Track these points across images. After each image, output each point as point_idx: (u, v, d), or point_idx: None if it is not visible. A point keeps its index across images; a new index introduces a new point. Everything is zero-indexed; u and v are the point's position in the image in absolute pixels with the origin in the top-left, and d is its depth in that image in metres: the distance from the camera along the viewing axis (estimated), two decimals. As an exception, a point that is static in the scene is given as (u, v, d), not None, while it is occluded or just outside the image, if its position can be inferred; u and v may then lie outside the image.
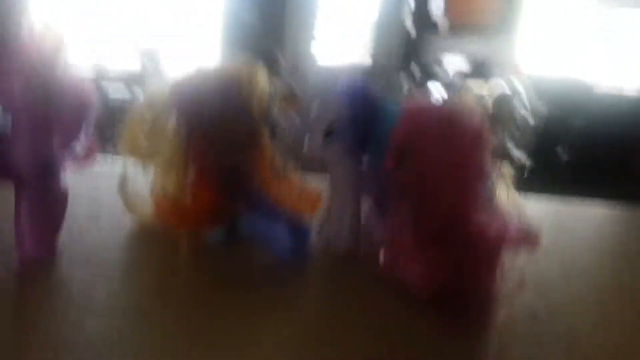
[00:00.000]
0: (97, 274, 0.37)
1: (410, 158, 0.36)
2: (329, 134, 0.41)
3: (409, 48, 4.80)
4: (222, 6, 4.71)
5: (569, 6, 2.20)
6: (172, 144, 0.43)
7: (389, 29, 4.85)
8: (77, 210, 0.40)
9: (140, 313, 0.32)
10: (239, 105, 0.42)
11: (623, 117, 1.34)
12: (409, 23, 4.10)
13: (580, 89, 1.45)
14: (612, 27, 1.91)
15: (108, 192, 0.49)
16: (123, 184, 0.47)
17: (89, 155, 0.40)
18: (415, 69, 2.71)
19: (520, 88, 1.13)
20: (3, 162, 0.35)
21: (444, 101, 0.39)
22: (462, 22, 2.87)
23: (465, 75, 2.32)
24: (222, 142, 0.39)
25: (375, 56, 4.88)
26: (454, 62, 3.01)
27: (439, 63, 2.60)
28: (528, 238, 0.37)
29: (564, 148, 1.54)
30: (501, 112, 1.07)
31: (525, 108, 1.16)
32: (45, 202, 0.37)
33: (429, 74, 2.49)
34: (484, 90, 1.19)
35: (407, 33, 4.40)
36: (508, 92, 1.13)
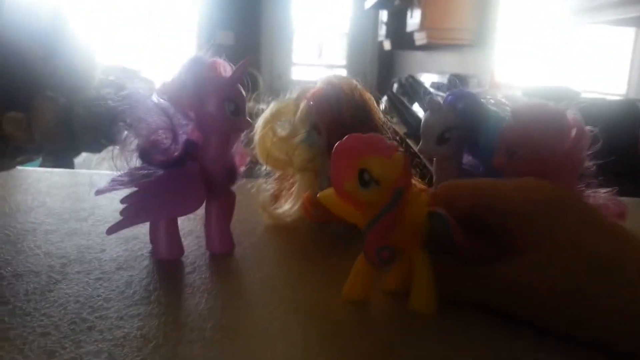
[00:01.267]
0: (273, 265, 0.43)
1: (520, 154, 0.44)
2: (442, 139, 0.49)
3: (384, 63, 4.95)
4: (197, 27, 4.76)
5: (543, 20, 2.35)
6: (308, 151, 0.50)
7: (363, 42, 4.98)
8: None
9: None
10: (368, 112, 0.50)
11: (610, 120, 1.46)
12: (382, 37, 4.23)
13: (569, 96, 1.58)
14: (588, 39, 2.06)
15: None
16: (259, 190, 0.54)
17: (242, 160, 0.47)
18: (395, 83, 2.82)
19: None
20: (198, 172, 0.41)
21: (546, 104, 0.46)
22: (437, 40, 3.00)
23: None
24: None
25: (350, 71, 4.99)
26: (430, 78, 3.14)
27: (415, 79, 2.71)
28: (622, 214, 0.47)
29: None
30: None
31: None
32: (228, 203, 0.44)
33: (409, 89, 2.60)
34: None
35: (381, 46, 4.55)
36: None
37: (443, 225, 0.32)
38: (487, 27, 2.83)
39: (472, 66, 3.00)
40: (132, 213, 0.39)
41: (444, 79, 2.97)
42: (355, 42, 5.00)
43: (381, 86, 4.22)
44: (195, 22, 4.63)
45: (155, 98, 0.41)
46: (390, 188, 0.29)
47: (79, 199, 0.58)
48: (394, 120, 2.83)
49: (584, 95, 1.74)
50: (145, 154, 0.40)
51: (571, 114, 0.45)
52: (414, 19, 3.16)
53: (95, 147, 0.37)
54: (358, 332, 0.32)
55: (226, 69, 0.45)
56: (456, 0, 2.95)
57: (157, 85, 0.44)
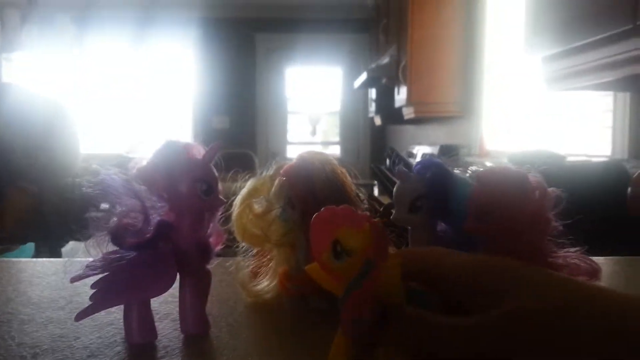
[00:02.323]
0: (248, 343, 0.43)
1: (489, 216, 0.45)
2: (413, 207, 0.50)
3: (376, 138, 5.05)
4: (192, 113, 4.89)
5: (527, 88, 2.43)
6: (283, 226, 0.51)
7: (355, 119, 5.10)
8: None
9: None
10: (340, 185, 0.52)
11: (598, 180, 1.50)
12: (373, 113, 4.34)
13: (554, 160, 1.62)
14: (571, 104, 2.13)
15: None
16: (237, 269, 0.54)
17: (219, 239, 0.48)
18: (390, 155, 2.87)
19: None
20: (170, 252, 0.42)
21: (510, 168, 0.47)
22: (425, 113, 3.08)
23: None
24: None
25: (344, 147, 5.07)
26: (423, 150, 3.20)
27: (396, 151, 2.75)
28: (595, 272, 0.47)
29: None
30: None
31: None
32: (203, 282, 0.44)
33: (392, 162, 2.64)
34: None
35: (372, 122, 4.66)
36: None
37: (424, 302, 0.32)
38: (472, 98, 2.92)
39: (461, 136, 3.07)
40: (101, 297, 0.39)
41: (435, 150, 3.03)
42: (347, 119, 5.14)
43: (375, 160, 4.29)
44: (191, 108, 4.78)
45: (126, 182, 0.42)
46: (360, 259, 0.29)
47: (58, 287, 0.58)
48: (375, 189, 2.86)
49: (570, 158, 1.77)
50: (117, 237, 0.40)
51: (533, 176, 0.46)
52: (400, 95, 3.26)
53: (67, 232, 0.38)
54: None
55: (200, 151, 0.46)
56: (440, 75, 3.07)
57: (133, 170, 0.45)
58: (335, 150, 5.10)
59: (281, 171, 0.53)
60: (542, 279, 0.30)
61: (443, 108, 3.05)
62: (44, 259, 0.72)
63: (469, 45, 2.94)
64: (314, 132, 5.15)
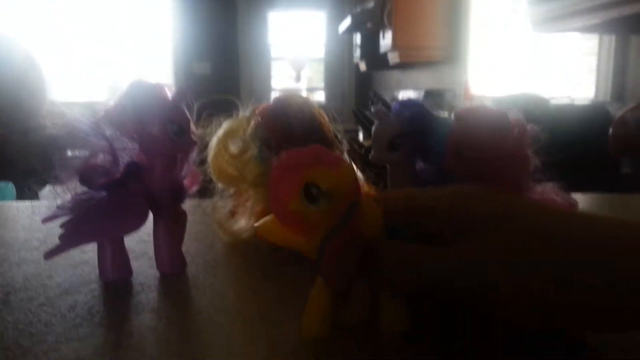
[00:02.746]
0: (225, 281, 0.43)
1: (467, 154, 0.45)
2: (391, 146, 0.49)
3: (361, 84, 5.00)
4: (172, 58, 4.76)
5: (512, 31, 2.39)
6: (259, 166, 0.50)
7: (340, 64, 5.03)
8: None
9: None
10: (317, 125, 0.51)
11: (581, 122, 1.50)
12: (357, 58, 4.28)
13: (538, 103, 1.61)
14: (555, 47, 2.11)
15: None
16: (214, 209, 0.54)
17: (194, 180, 0.47)
18: (373, 100, 2.84)
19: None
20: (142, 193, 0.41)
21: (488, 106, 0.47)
22: (410, 58, 3.04)
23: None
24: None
25: (328, 93, 5.02)
26: (407, 95, 3.18)
27: (378, 95, 2.73)
28: (571, 207, 0.47)
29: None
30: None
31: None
32: (177, 223, 0.43)
33: (382, 102, 2.62)
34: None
35: (357, 68, 4.59)
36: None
37: (406, 236, 0.31)
38: (458, 43, 2.88)
39: (446, 81, 3.04)
40: (69, 236, 0.38)
41: (420, 95, 3.00)
42: (332, 65, 5.05)
43: (359, 106, 4.25)
44: (171, 53, 4.66)
45: (93, 124, 0.40)
46: (343, 200, 0.26)
47: (32, 229, 0.57)
48: (360, 135, 2.85)
49: (554, 101, 1.77)
50: (85, 177, 0.39)
51: (512, 114, 0.46)
52: (386, 40, 3.20)
53: (33, 173, 0.37)
54: (304, 350, 0.30)
55: (170, 92, 0.45)
56: (425, 20, 3.01)
57: (101, 111, 0.43)
58: (320, 97, 5.04)
59: (257, 111, 0.52)
60: (518, 206, 0.30)
61: (428, 53, 3.01)
62: (17, 202, 0.71)
63: (455, -12, 2.88)
64: (298, 79, 5.07)
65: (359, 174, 0.53)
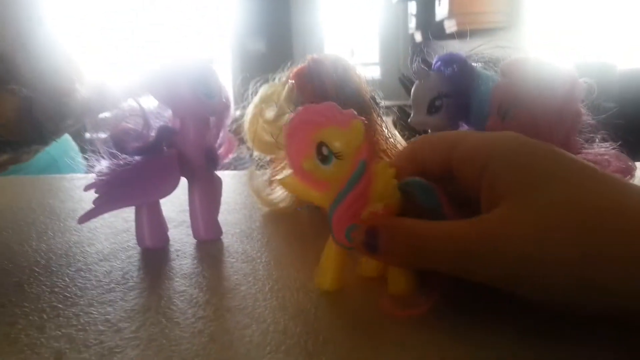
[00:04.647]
0: (259, 249, 0.42)
1: (512, 112, 0.42)
2: (432, 108, 0.47)
3: (416, 53, 4.86)
4: (230, 36, 4.81)
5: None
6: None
7: (395, 36, 4.93)
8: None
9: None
10: (353, 86, 0.49)
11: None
12: (413, 29, 4.17)
13: (605, 70, 1.50)
14: (618, 10, 1.97)
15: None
16: (251, 177, 0.53)
17: (230, 147, 0.46)
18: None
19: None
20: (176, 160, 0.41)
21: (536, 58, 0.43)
22: (468, 25, 2.93)
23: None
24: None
25: (383, 67, 4.95)
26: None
27: (427, 60, 2.64)
28: (628, 170, 0.43)
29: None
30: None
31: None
32: (212, 189, 0.43)
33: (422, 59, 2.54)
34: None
35: (413, 39, 4.48)
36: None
37: (428, 194, 0.29)
38: (518, 7, 2.74)
39: (506, 48, 2.91)
40: (104, 200, 0.39)
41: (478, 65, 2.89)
42: (386, 38, 4.95)
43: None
44: (225, 31, 4.71)
45: (125, 87, 0.40)
46: (352, 160, 0.26)
47: (80, 199, 0.59)
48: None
49: (620, 67, 1.65)
50: (118, 141, 0.39)
51: (563, 66, 0.42)
52: (442, 6, 3.09)
53: (60, 135, 0.37)
54: (337, 311, 0.30)
55: (202, 58, 0.44)
56: (484, -17, 2.88)
57: (133, 77, 0.43)
58: (375, 72, 4.97)
59: (291, 75, 0.50)
60: (553, 173, 0.25)
61: (487, 18, 2.87)
62: (71, 174, 0.74)
63: (515, -52, 2.73)
64: (352, 53, 5.01)
65: (398, 139, 0.51)
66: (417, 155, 0.31)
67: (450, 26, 3.05)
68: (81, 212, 0.51)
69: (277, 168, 0.53)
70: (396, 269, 0.30)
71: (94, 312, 0.32)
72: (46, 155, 0.96)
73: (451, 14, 2.93)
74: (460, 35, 3.40)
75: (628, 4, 1.92)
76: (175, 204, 0.52)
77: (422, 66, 0.48)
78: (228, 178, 0.44)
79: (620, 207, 0.21)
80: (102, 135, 0.40)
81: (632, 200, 0.21)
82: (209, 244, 0.43)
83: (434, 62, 0.49)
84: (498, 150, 0.26)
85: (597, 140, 0.43)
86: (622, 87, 1.56)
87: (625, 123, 0.48)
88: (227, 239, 0.44)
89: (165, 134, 0.40)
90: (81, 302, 0.33)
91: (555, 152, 0.25)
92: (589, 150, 0.42)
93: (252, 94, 0.54)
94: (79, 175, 0.74)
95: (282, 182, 0.28)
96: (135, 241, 0.44)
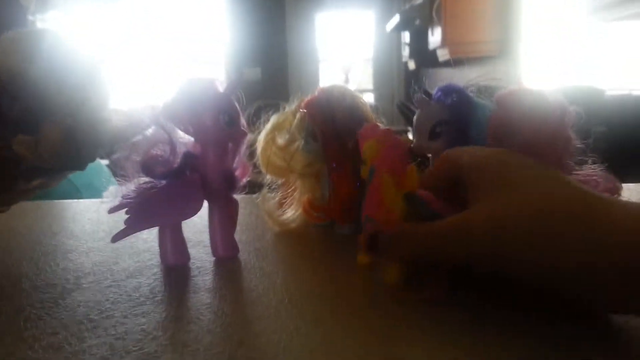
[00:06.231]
0: (274, 264, 0.45)
1: (508, 138, 0.45)
2: (433, 134, 0.50)
3: (410, 83, 4.94)
4: (225, 64, 4.87)
5: (566, 22, 2.32)
6: (306, 157, 0.52)
7: (389, 64, 5.00)
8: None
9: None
10: (361, 115, 0.52)
11: (636, 114, 1.45)
12: (406, 57, 4.25)
13: (593, 94, 1.56)
14: (610, 37, 2.03)
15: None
16: (263, 200, 0.56)
17: (245, 171, 0.50)
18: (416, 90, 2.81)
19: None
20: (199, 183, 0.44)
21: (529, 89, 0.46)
22: (460, 54, 2.99)
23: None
24: (353, 148, 0.49)
25: (378, 94, 4.99)
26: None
27: (425, 90, 2.68)
28: (614, 190, 0.47)
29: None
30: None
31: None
32: (230, 210, 0.46)
33: (423, 90, 2.59)
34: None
35: (406, 66, 4.56)
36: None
37: (422, 206, 0.34)
38: (509, 36, 2.81)
39: (498, 76, 2.97)
40: (134, 220, 0.42)
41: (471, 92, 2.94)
42: (380, 65, 5.04)
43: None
44: (222, 61, 4.78)
45: (153, 116, 0.44)
46: (367, 166, 0.36)
47: (99, 222, 0.62)
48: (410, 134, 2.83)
49: (609, 92, 1.70)
50: (146, 166, 0.42)
51: (553, 96, 0.46)
52: (435, 36, 3.17)
53: (94, 160, 0.41)
54: (357, 322, 0.33)
55: (222, 86, 0.48)
56: (476, 13, 2.95)
57: (159, 105, 0.47)
58: (369, 98, 5.05)
59: (302, 104, 0.54)
60: (532, 178, 0.31)
61: (479, 47, 2.95)
62: (86, 200, 0.77)
63: (505, -20, 2.82)
64: (347, 80, 5.09)
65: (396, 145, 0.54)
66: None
67: (443, 55, 3.13)
68: (101, 234, 0.54)
69: (288, 191, 0.56)
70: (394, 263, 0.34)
71: (129, 323, 0.35)
72: (67, 182, 0.99)
73: (444, 42, 3.01)
74: (452, 63, 3.48)
75: (615, 31, 1.99)
76: (192, 226, 0.55)
77: (424, 96, 0.52)
78: (241, 201, 0.47)
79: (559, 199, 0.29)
80: (132, 160, 0.43)
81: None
82: (228, 261, 0.46)
83: (434, 92, 0.52)
84: (481, 162, 0.34)
85: (588, 162, 0.46)
86: (611, 112, 1.62)
87: (613, 145, 0.51)
88: (243, 256, 0.47)
89: (190, 160, 0.44)
90: (116, 315, 0.36)
91: (524, 165, 0.32)
92: (579, 172, 0.46)
93: (263, 122, 0.57)
94: (90, 200, 0.77)
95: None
96: (157, 260, 0.47)
